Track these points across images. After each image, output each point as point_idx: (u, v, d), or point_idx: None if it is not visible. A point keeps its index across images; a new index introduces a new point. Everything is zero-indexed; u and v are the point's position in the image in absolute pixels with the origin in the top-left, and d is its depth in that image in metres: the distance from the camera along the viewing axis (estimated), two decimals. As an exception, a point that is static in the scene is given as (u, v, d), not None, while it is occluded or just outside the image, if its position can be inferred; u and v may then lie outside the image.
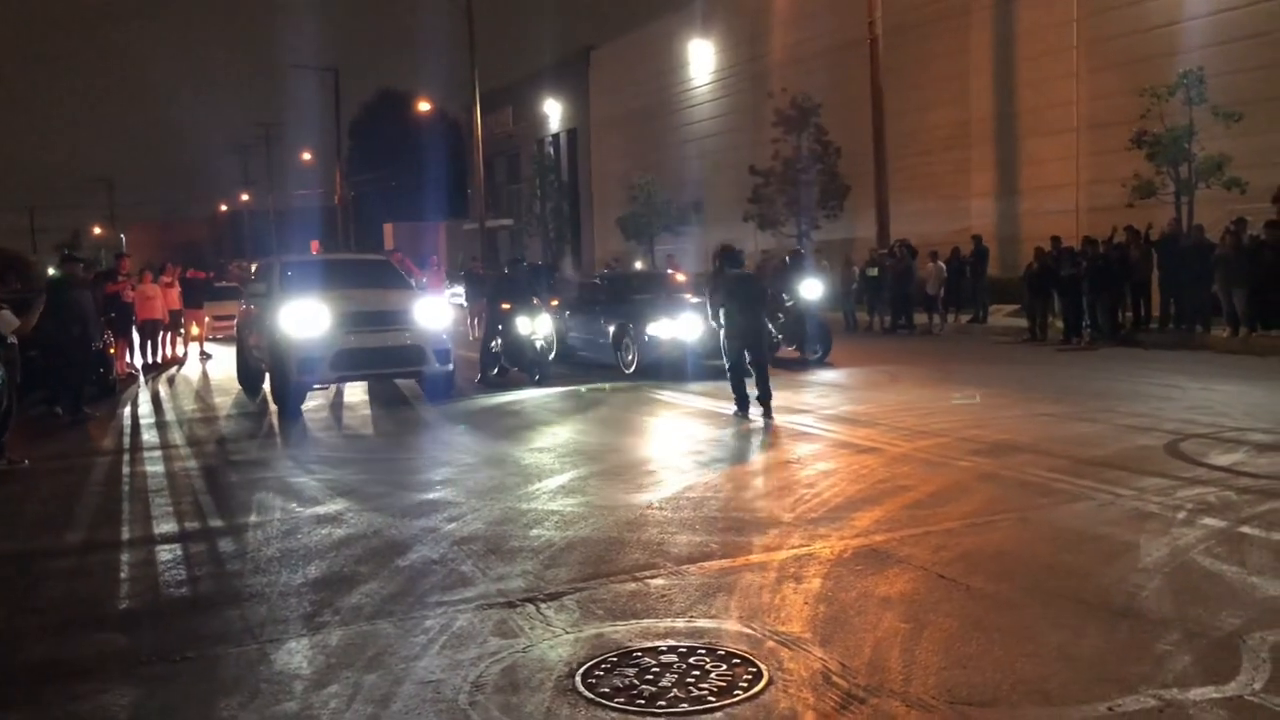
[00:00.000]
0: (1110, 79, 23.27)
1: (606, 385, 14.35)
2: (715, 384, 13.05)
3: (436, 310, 13.39)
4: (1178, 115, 18.89)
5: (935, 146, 28.63)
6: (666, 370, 14.74)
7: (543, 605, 5.20)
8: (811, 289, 17.40)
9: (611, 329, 15.83)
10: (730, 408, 11.26)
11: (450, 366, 13.26)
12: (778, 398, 11.24)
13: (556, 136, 50.87)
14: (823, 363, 16.50)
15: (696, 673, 4.29)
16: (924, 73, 28.28)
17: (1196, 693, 3.91)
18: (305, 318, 12.22)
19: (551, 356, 16.23)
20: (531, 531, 6.65)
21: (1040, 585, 5.29)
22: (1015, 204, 26.67)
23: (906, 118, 27.86)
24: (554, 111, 50.33)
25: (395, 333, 12.69)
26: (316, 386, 13.37)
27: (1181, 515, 6.41)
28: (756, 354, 11.24)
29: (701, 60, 39.60)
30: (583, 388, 14.19)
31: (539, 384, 14.53)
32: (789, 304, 16.65)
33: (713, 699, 4.04)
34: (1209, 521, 6.25)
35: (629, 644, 4.62)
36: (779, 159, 28.60)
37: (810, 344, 16.84)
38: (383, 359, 12.62)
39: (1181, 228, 18.39)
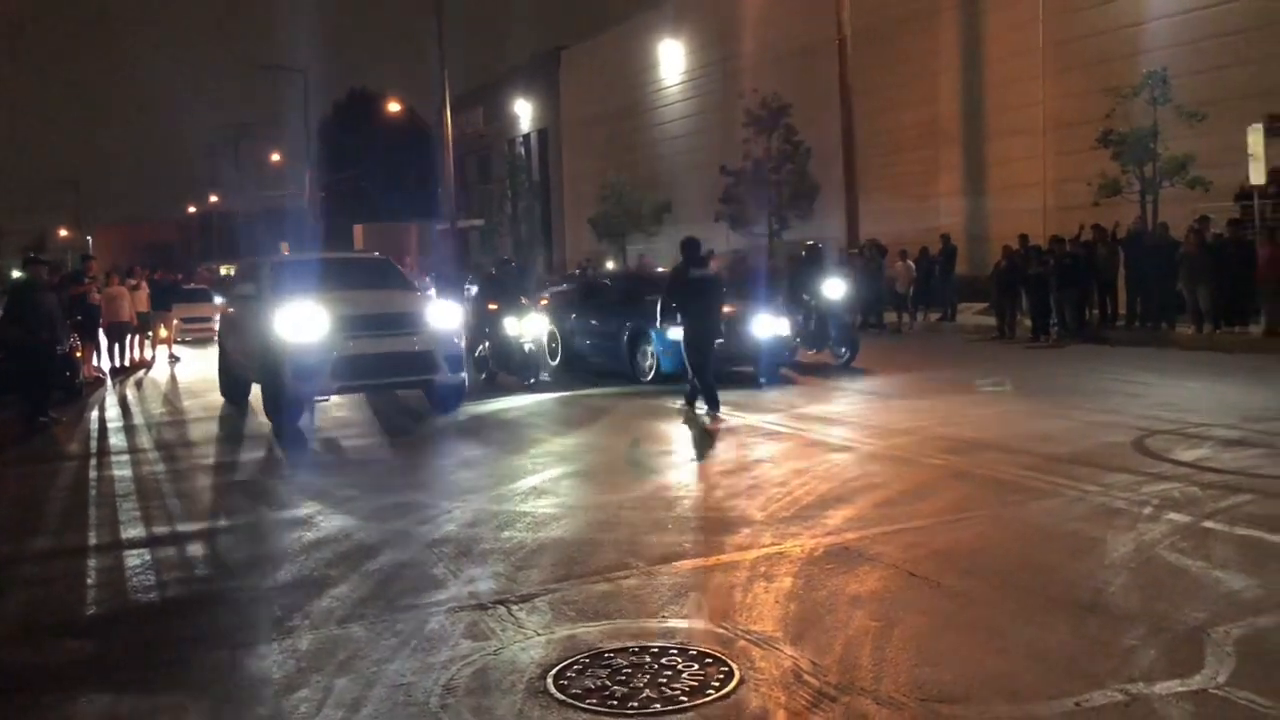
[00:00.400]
0: (1076, 79, 23.50)
1: (600, 391, 13.84)
2: (745, 393, 12.64)
3: (448, 313, 12.25)
4: (1142, 115, 19.10)
5: (904, 146, 28.81)
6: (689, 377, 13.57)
7: (514, 607, 5.19)
8: (834, 288, 15.74)
9: (626, 332, 14.36)
10: (695, 409, 11.31)
11: (463, 375, 12.06)
12: (768, 401, 11.31)
13: (527, 137, 50.83)
14: (849, 367, 15.26)
15: (669, 673, 4.30)
16: (893, 73, 28.45)
17: (1162, 686, 3.95)
18: (301, 321, 11.02)
19: (556, 362, 15.65)
20: (503, 534, 6.64)
21: (1010, 582, 5.34)
22: (983, 203, 26.89)
23: (876, 118, 28.00)
24: (525, 112, 50.28)
25: (402, 338, 11.42)
26: (317, 399, 11.92)
27: (1147, 511, 6.48)
28: (708, 356, 11.32)
29: (672, 61, 39.65)
30: (583, 393, 13.50)
31: (532, 389, 13.86)
32: (810, 303, 15.58)
33: (685, 699, 4.05)
34: (1174, 517, 6.32)
35: (601, 645, 4.62)
36: (750, 159, 28.68)
37: (836, 347, 15.60)
38: (389, 367, 11.35)
39: (1147, 226, 18.60)
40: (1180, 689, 3.92)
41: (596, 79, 43.96)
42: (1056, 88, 24.51)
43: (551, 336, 15.95)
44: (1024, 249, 19.54)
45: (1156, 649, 4.32)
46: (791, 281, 16.20)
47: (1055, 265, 18.28)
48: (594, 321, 15.55)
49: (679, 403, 11.66)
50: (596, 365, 15.27)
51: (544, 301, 17.06)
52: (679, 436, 10.28)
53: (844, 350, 15.58)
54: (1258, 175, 17.08)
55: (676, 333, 13.00)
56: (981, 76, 26.92)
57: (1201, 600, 4.88)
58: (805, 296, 15.66)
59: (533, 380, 14.11)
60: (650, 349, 13.84)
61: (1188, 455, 8.10)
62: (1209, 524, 6.13)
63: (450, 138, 37.83)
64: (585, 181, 43.03)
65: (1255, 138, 17.04)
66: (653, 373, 13.80)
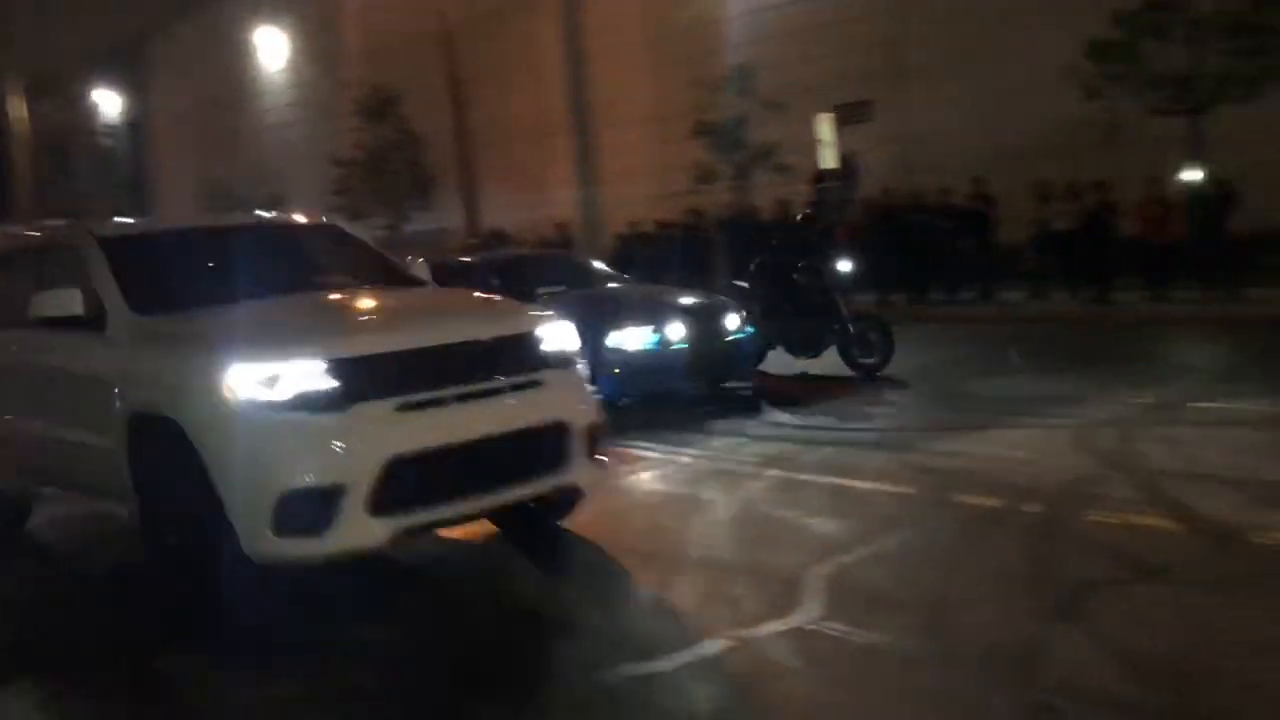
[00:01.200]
0: (674, 72, 24.84)
1: None
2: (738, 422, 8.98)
3: (565, 332, 5.55)
4: (735, 106, 20.59)
5: (519, 136, 29.25)
6: (645, 400, 9.42)
7: None
8: (845, 268, 10.92)
9: None
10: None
11: (606, 462, 5.65)
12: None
13: (116, 128, 46.70)
14: (874, 376, 10.38)
15: None
16: (503, 63, 28.79)
17: (766, 628, 4.32)
18: (276, 375, 4.60)
19: None
20: None
21: (634, 548, 5.63)
22: (597, 192, 27.93)
23: (489, 107, 28.26)
24: (111, 100, 46.15)
25: (506, 399, 5.07)
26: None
27: (749, 469, 7.05)
28: None
29: (272, 48, 37.94)
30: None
31: None
32: (806, 290, 10.84)
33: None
34: (772, 473, 6.91)
35: None
36: (362, 149, 28.10)
37: (856, 350, 10.56)
38: (489, 469, 4.94)
39: (741, 210, 20.13)
40: (780, 628, 4.31)
41: (191, 66, 41.11)
42: (656, 80, 25.82)
43: None
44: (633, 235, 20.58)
45: (760, 594, 4.72)
46: (779, 260, 11.28)
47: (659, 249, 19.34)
48: None
49: None
50: None
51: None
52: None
53: (870, 354, 10.54)
54: (828, 160, 18.94)
55: (620, 337, 9.22)
56: (586, 69, 27.90)
57: (797, 546, 5.38)
58: (795, 278, 10.87)
59: None
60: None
61: (780, 417, 8.88)
62: (800, 476, 6.76)
63: (24, 129, 34.09)
64: (184, 174, 40.31)
65: (825, 126, 18.87)
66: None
